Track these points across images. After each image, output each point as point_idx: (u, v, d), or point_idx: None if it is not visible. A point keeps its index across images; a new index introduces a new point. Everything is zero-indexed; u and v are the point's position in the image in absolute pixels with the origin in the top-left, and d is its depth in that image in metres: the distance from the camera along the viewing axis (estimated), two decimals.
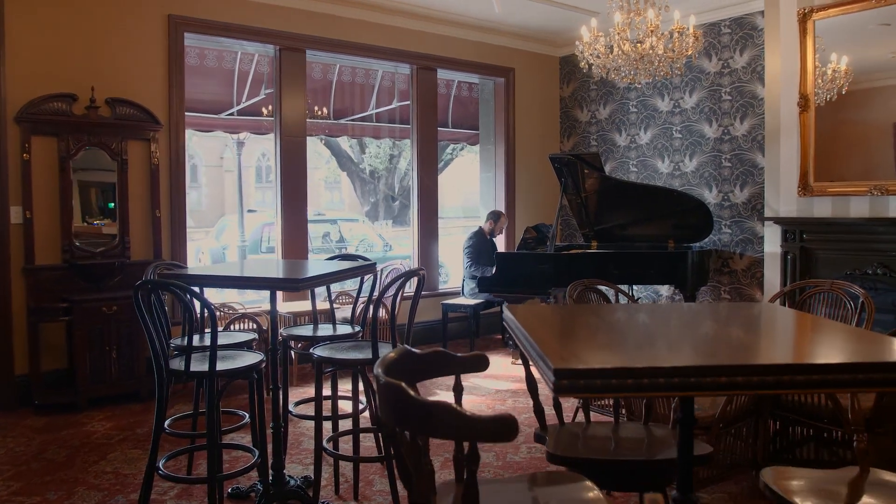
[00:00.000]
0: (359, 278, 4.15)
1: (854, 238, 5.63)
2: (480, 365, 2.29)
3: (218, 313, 5.90)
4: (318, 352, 3.45)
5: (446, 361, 2.21)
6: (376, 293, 3.68)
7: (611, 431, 2.71)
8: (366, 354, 3.40)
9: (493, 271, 6.68)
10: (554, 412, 2.84)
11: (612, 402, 3.43)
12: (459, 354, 2.28)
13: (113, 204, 5.49)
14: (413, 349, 2.07)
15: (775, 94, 6.14)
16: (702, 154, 7.40)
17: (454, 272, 10.33)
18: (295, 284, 3.25)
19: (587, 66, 5.77)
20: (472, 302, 7.23)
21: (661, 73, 5.50)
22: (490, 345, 7.60)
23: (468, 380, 6.00)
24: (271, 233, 11.15)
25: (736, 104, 7.09)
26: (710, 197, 7.27)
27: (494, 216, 7.60)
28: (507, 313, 2.59)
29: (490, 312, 7.60)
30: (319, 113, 8.01)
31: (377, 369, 1.71)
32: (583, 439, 2.64)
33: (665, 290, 7.77)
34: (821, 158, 5.85)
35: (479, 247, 7.45)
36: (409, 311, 3.78)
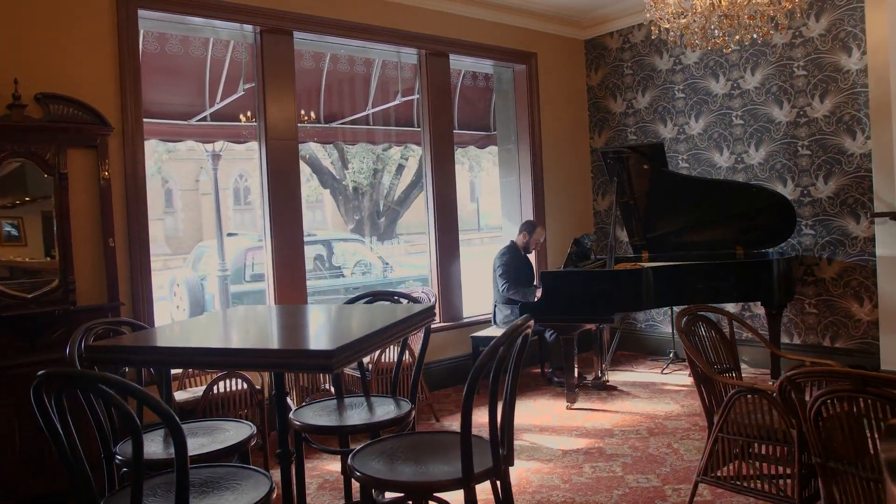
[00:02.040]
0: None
1: None
2: None
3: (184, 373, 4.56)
4: (366, 468, 2.14)
5: None
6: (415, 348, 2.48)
7: None
8: (451, 468, 2.11)
9: (539, 295, 5.40)
10: None
11: None
12: None
13: (50, 233, 4.14)
14: None
15: (881, 62, 4.96)
16: (771, 142, 6.19)
17: (469, 295, 9.04)
18: (327, 362, 1.94)
19: (657, 32, 4.52)
20: None
21: (761, 32, 4.26)
22: (531, 383, 6.30)
23: (521, 437, 4.70)
24: (255, 258, 9.78)
25: (813, 80, 5.90)
26: (786, 192, 6.04)
27: (529, 227, 6.33)
28: None
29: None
30: (307, 118, 6.74)
31: None
32: None
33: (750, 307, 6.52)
34: None
35: (515, 265, 6.17)
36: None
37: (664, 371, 6.44)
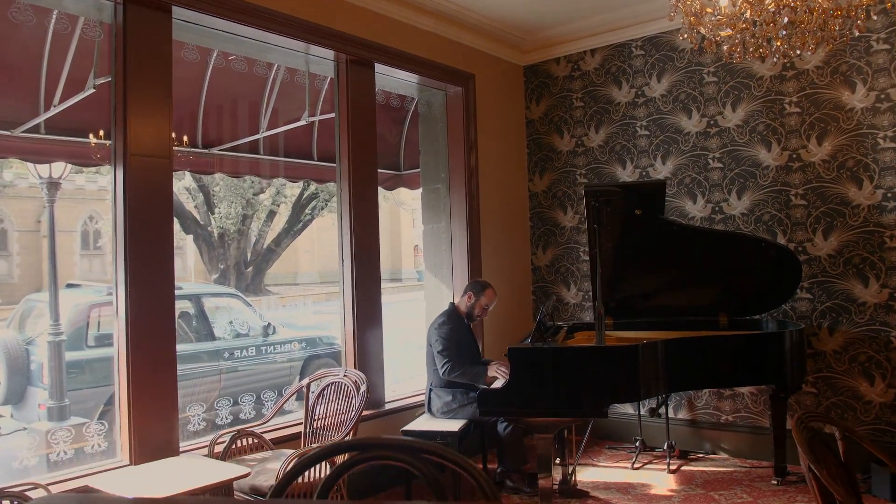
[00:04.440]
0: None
1: None
2: None
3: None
4: None
5: None
6: None
7: None
8: None
9: (507, 381, 4.01)
10: None
11: None
12: None
13: None
14: None
15: None
16: (757, 189, 5.24)
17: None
18: None
19: (697, 42, 3.36)
20: (454, 427, 4.49)
21: (831, 39, 3.19)
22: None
23: None
24: (103, 316, 7.73)
25: (808, 119, 5.02)
26: None
27: (477, 289, 4.96)
28: None
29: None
30: (178, 142, 5.15)
31: None
32: None
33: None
34: None
35: (457, 337, 4.76)
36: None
37: (634, 465, 5.20)
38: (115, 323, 3.72)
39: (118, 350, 3.69)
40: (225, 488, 3.25)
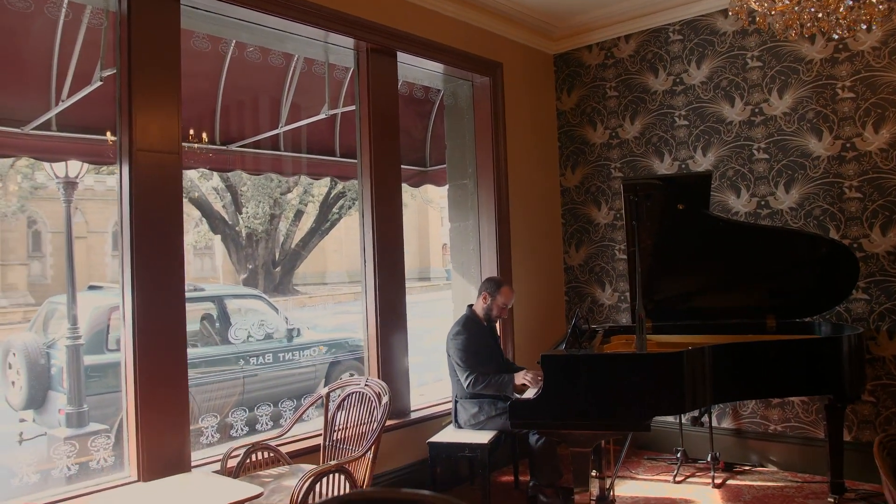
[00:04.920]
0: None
1: None
2: None
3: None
4: None
5: None
6: None
7: None
8: None
9: (539, 391, 3.71)
10: None
11: None
12: None
13: None
14: None
15: None
16: (807, 181, 4.88)
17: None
18: None
19: (747, 18, 3.04)
20: (483, 439, 4.21)
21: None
22: (506, 502, 4.57)
23: None
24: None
25: (863, 104, 4.65)
26: None
27: (492, 287, 4.65)
28: None
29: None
30: (196, 139, 4.97)
31: None
32: None
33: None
34: None
35: (476, 345, 4.47)
36: None
37: (676, 478, 4.87)
38: (122, 328, 3.51)
39: (125, 357, 3.47)
40: None
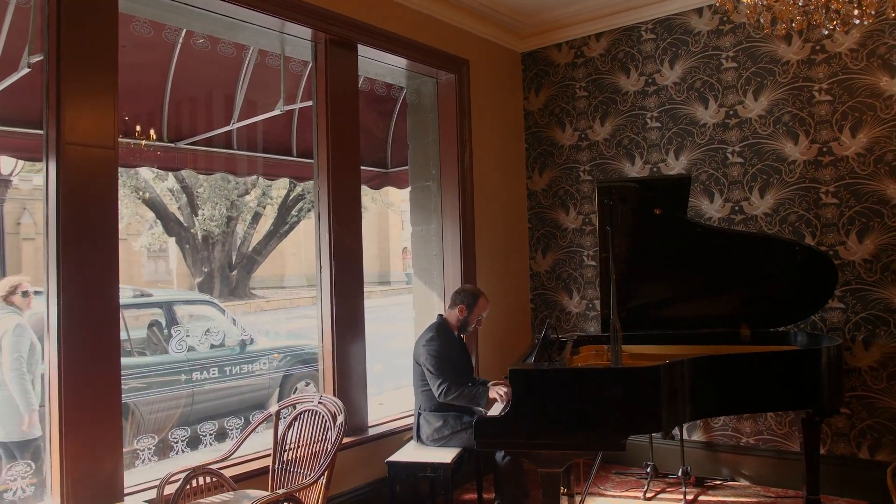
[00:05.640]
0: None
1: None
2: None
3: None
4: None
5: None
6: None
7: None
8: None
9: (508, 407, 3.46)
10: None
11: None
12: None
13: None
14: None
15: None
16: (782, 186, 4.72)
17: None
18: None
19: (733, 6, 2.83)
20: (446, 458, 3.94)
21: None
22: None
23: None
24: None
25: (841, 108, 4.51)
26: None
27: (469, 298, 4.39)
28: None
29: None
30: (143, 135, 4.65)
31: None
32: None
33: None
34: None
35: (449, 353, 4.20)
36: None
37: (646, 495, 4.67)
38: (46, 339, 3.15)
39: (48, 371, 3.11)
40: None
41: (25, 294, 4.13)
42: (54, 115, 3.14)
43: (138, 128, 4.67)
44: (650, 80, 5.23)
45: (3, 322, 4.04)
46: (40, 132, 3.59)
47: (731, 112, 4.89)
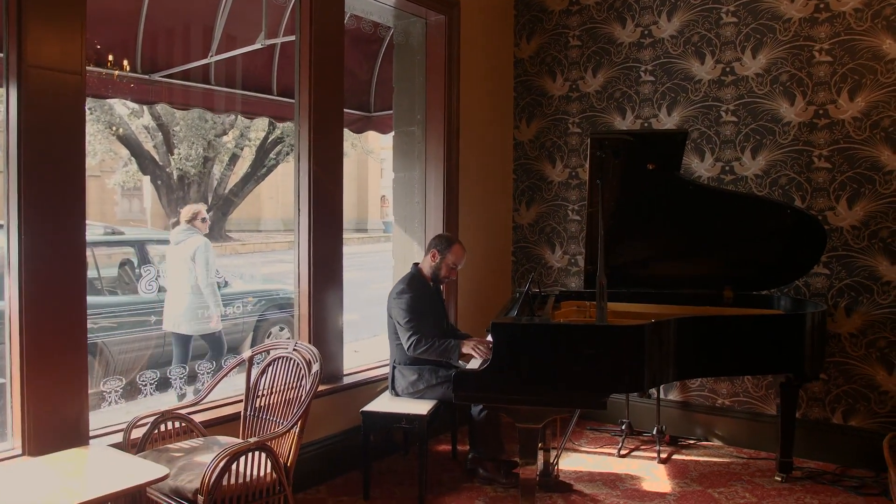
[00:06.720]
0: None
1: None
2: None
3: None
4: None
5: None
6: None
7: None
8: None
9: (485, 362, 3.38)
10: None
11: None
12: None
13: None
14: None
15: None
16: (775, 148, 4.63)
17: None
18: None
19: None
20: (421, 409, 3.87)
21: None
22: (443, 474, 4.27)
23: None
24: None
25: (840, 69, 4.39)
26: None
27: (442, 245, 4.27)
28: None
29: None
30: (116, 65, 4.42)
31: None
32: None
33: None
34: None
35: (422, 305, 4.09)
36: None
37: (621, 452, 4.67)
38: (7, 274, 2.98)
39: (9, 307, 2.96)
40: (137, 494, 2.59)
41: (204, 220, 5.34)
42: (15, 36, 2.91)
43: (111, 57, 4.44)
44: (646, 32, 5.06)
45: (193, 241, 5.18)
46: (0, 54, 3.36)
47: (727, 69, 4.75)
